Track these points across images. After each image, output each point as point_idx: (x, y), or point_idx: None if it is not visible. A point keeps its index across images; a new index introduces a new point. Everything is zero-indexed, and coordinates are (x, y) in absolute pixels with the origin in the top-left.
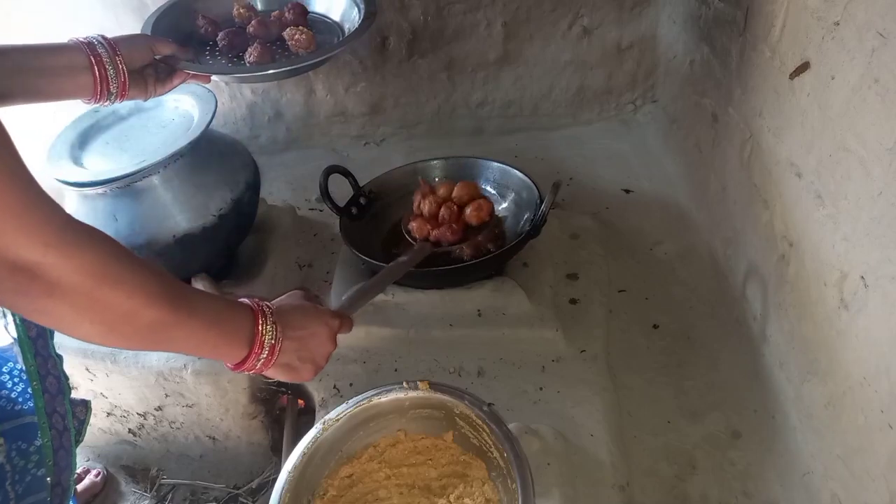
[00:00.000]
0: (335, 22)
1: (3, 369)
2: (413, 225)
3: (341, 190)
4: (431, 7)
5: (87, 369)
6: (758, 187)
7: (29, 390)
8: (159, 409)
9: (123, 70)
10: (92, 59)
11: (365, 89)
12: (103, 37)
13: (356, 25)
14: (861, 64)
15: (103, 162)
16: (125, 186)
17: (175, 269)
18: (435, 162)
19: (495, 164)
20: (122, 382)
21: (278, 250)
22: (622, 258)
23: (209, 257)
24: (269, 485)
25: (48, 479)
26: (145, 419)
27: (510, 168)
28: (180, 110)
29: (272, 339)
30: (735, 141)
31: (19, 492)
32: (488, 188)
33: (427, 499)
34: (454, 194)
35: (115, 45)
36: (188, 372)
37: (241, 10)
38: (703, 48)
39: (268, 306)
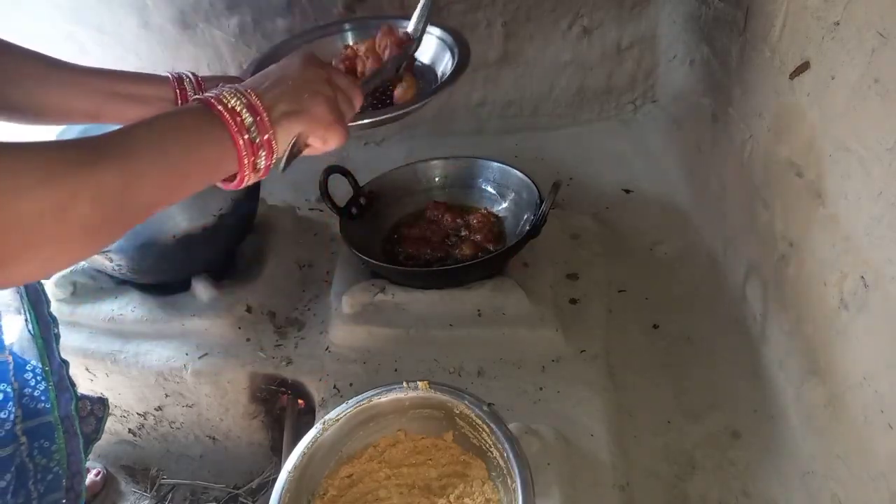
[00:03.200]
0: (426, 65)
1: (27, 367)
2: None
3: (341, 190)
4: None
5: (87, 369)
6: (758, 187)
7: (48, 390)
8: (159, 409)
9: None
10: (177, 92)
11: None
12: (193, 73)
13: (447, 70)
14: (861, 64)
15: None
16: None
17: (175, 269)
18: (435, 162)
19: (495, 164)
20: (122, 382)
21: (278, 250)
22: (622, 258)
23: (209, 257)
24: (269, 485)
25: (63, 480)
26: (145, 419)
27: (510, 168)
28: None
29: (238, 101)
30: (735, 141)
31: (41, 490)
32: (488, 188)
33: (427, 499)
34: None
35: (201, 83)
36: (188, 372)
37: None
38: (703, 48)
39: (219, 88)
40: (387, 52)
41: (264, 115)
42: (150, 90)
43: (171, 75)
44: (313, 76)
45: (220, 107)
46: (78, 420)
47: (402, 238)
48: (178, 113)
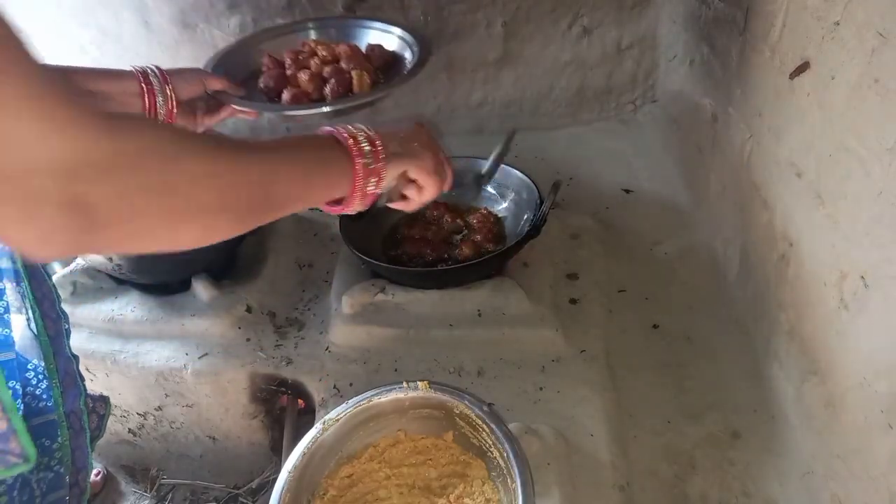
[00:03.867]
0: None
1: (29, 367)
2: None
3: None
4: (431, 7)
5: (87, 369)
6: (758, 187)
7: (51, 388)
8: (159, 409)
9: (172, 100)
10: (144, 86)
11: None
12: (157, 67)
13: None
14: (861, 64)
15: None
16: None
17: (175, 269)
18: None
19: None
20: (122, 382)
21: (278, 250)
22: (622, 258)
23: (209, 257)
24: (269, 485)
25: (67, 477)
26: (145, 419)
27: (510, 168)
28: None
29: (364, 137)
30: (735, 141)
31: (44, 489)
32: (488, 188)
33: (427, 499)
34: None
35: (167, 76)
36: (188, 372)
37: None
38: (703, 48)
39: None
40: (344, 62)
41: (379, 147)
42: (114, 86)
43: (136, 69)
44: (425, 135)
45: (345, 134)
46: (86, 414)
47: (402, 238)
48: (311, 136)
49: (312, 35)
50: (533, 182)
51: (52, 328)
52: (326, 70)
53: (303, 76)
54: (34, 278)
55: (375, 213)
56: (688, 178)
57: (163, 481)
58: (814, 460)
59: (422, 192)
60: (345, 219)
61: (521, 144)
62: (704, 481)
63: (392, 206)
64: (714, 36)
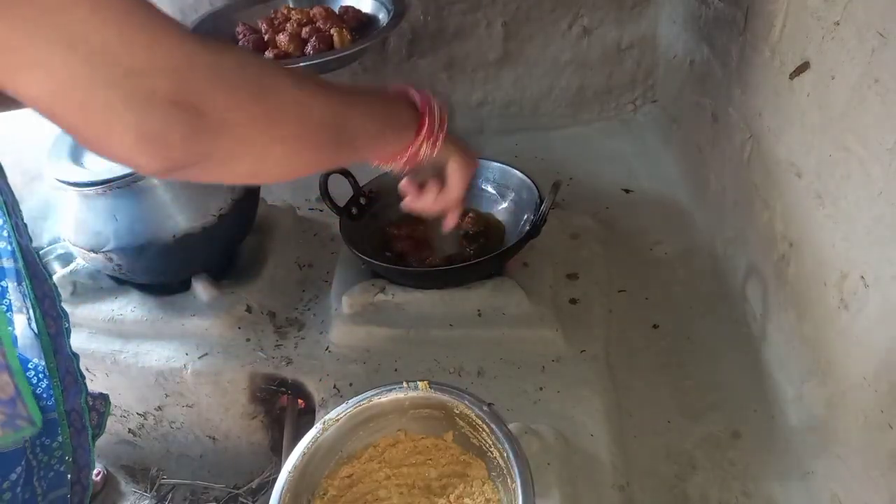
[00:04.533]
0: (369, 15)
1: (29, 365)
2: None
3: (341, 190)
4: (431, 7)
5: (86, 369)
6: (758, 187)
7: (51, 388)
8: (159, 409)
9: None
10: None
11: None
12: None
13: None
14: (861, 64)
15: (103, 161)
16: (125, 186)
17: (175, 269)
18: None
19: (495, 163)
20: (121, 382)
21: (278, 250)
22: (622, 258)
23: (209, 257)
24: (269, 485)
25: (69, 475)
26: (145, 419)
27: (510, 168)
28: None
29: (436, 103)
30: (735, 141)
31: (45, 487)
32: (488, 188)
33: (427, 499)
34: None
35: None
36: (188, 372)
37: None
38: (703, 48)
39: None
40: (320, 22)
41: (445, 119)
42: None
43: None
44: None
45: (418, 96)
46: (88, 412)
47: (401, 237)
48: (384, 88)
49: (290, 2)
50: (533, 182)
51: (52, 327)
52: (305, 31)
53: (282, 37)
54: (35, 277)
55: (375, 213)
56: (688, 179)
57: (163, 481)
58: (814, 460)
59: (444, 191)
60: (345, 219)
61: (521, 144)
62: (704, 481)
63: (404, 201)
64: (714, 36)
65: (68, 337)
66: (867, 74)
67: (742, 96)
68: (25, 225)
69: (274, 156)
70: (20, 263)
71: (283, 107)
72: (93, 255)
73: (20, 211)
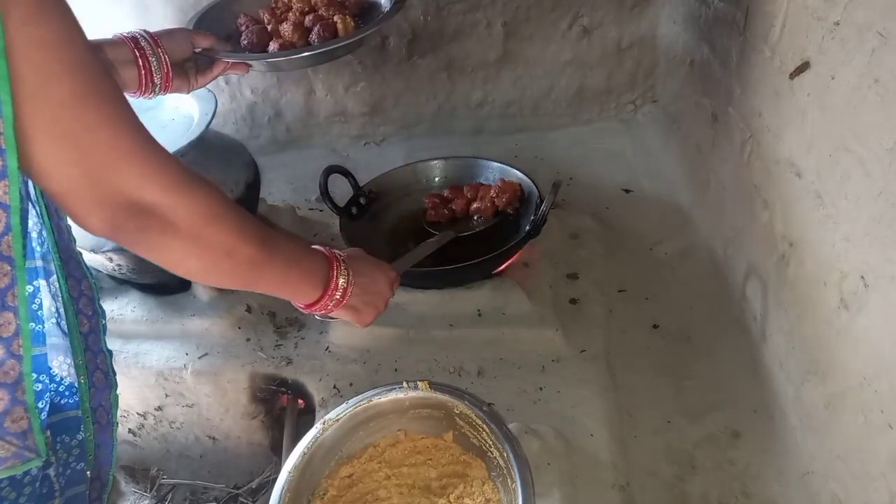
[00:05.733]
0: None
1: (54, 363)
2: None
3: (341, 190)
4: (431, 7)
5: None
6: (758, 187)
7: (75, 385)
8: (159, 409)
9: (166, 62)
10: (136, 52)
11: (365, 89)
12: (145, 31)
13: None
14: (861, 64)
15: None
16: None
17: None
18: (435, 162)
19: (495, 164)
20: (121, 382)
21: None
22: (622, 258)
23: None
24: (269, 485)
25: (87, 472)
26: (145, 419)
27: (510, 168)
28: (180, 111)
29: (345, 282)
30: (735, 141)
31: (63, 483)
32: None
33: (427, 499)
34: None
35: (156, 38)
36: (188, 372)
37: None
38: (703, 48)
39: (339, 253)
40: (323, 10)
41: (343, 300)
42: (106, 56)
43: (124, 36)
44: (385, 297)
45: (334, 270)
46: (116, 408)
47: (400, 239)
48: (314, 255)
49: None
50: (533, 182)
51: (86, 325)
52: (308, 20)
53: (285, 27)
54: (71, 276)
55: (375, 213)
56: (688, 178)
57: (163, 481)
58: (814, 460)
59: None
60: (345, 219)
61: (521, 144)
62: (704, 481)
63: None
64: (714, 36)
65: (104, 333)
66: (867, 74)
67: (742, 96)
68: (69, 226)
69: (202, 270)
70: (54, 264)
71: (215, 249)
72: (93, 255)
73: (64, 214)
